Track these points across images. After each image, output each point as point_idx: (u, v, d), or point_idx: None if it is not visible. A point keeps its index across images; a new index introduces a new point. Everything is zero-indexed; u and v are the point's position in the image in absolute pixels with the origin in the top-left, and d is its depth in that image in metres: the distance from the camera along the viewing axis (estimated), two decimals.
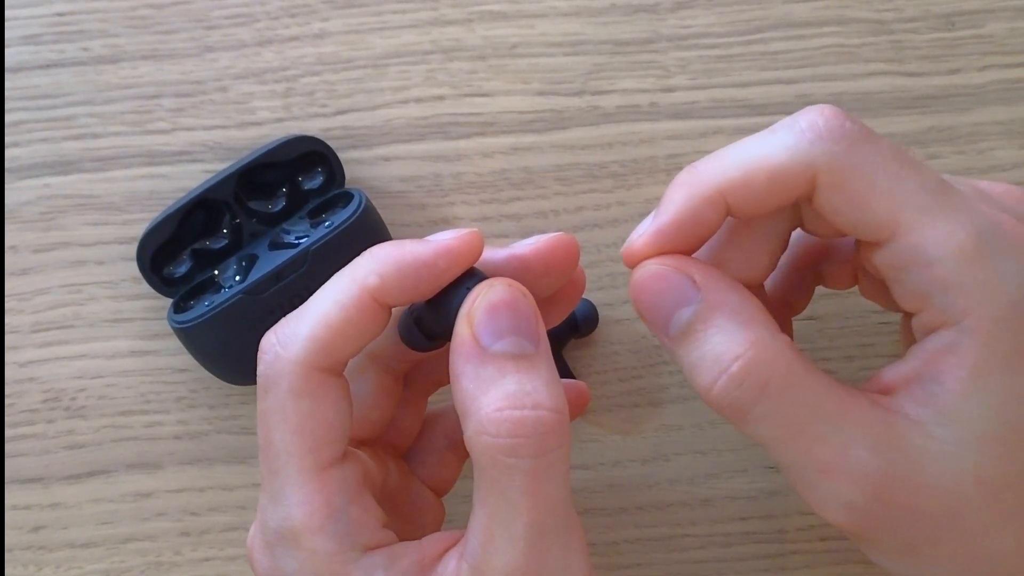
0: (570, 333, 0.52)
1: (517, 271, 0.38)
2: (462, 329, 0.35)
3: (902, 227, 0.35)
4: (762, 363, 0.35)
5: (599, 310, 0.53)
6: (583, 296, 0.44)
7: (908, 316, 0.37)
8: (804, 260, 0.45)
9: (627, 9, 0.54)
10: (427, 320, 0.38)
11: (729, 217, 0.38)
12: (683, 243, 0.38)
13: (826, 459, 0.35)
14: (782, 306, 0.46)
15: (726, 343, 0.36)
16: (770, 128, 0.37)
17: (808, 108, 0.37)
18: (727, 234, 0.40)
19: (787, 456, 0.36)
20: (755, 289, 0.40)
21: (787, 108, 0.53)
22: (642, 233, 0.38)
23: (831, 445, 0.35)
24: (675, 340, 0.37)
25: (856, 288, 0.44)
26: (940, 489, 0.35)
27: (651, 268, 0.38)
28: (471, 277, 0.37)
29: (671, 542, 0.53)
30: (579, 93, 0.54)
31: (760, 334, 0.36)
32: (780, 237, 0.40)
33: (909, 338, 0.38)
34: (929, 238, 0.34)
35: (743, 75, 0.53)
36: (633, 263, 0.39)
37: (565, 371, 0.52)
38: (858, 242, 0.38)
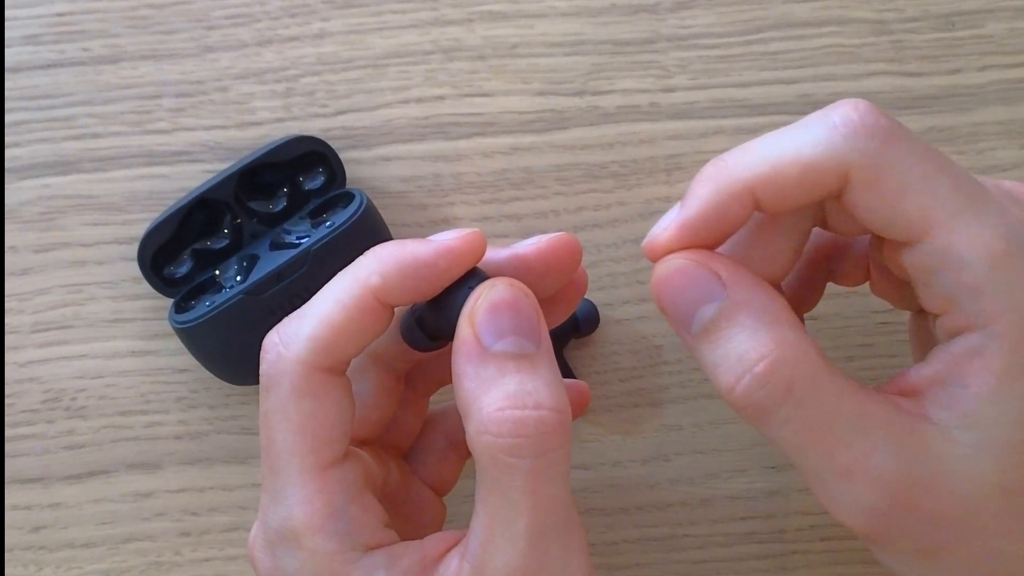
0: (571, 333, 0.52)
1: (519, 271, 0.38)
2: (464, 329, 0.35)
3: (935, 228, 0.34)
4: (788, 364, 0.35)
5: (600, 310, 0.53)
6: (584, 296, 0.44)
7: (920, 315, 0.37)
8: (817, 256, 0.44)
9: (627, 9, 0.54)
10: (429, 320, 0.38)
11: (754, 213, 0.38)
12: (708, 238, 0.37)
13: (848, 463, 0.35)
14: (794, 303, 0.45)
15: (751, 342, 0.35)
16: (801, 122, 0.37)
17: (841, 102, 0.36)
18: (751, 230, 0.39)
19: (807, 459, 0.36)
20: (775, 287, 0.40)
21: (787, 108, 0.53)
22: (666, 227, 0.38)
23: (853, 449, 0.35)
24: (697, 338, 0.37)
25: (856, 288, 0.44)
26: (961, 494, 0.34)
27: (675, 263, 0.37)
28: (473, 277, 0.37)
29: (671, 542, 0.53)
30: (579, 93, 0.54)
31: (786, 334, 0.35)
32: (803, 234, 0.39)
33: (920, 337, 0.37)
34: (962, 241, 0.34)
35: (743, 75, 0.53)
36: (656, 257, 0.38)
37: (566, 371, 0.52)
38: (881, 240, 0.38)
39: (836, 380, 0.35)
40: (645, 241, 0.39)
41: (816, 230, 0.40)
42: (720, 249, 0.39)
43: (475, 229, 0.37)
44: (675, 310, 0.37)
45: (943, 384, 0.35)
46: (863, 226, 0.37)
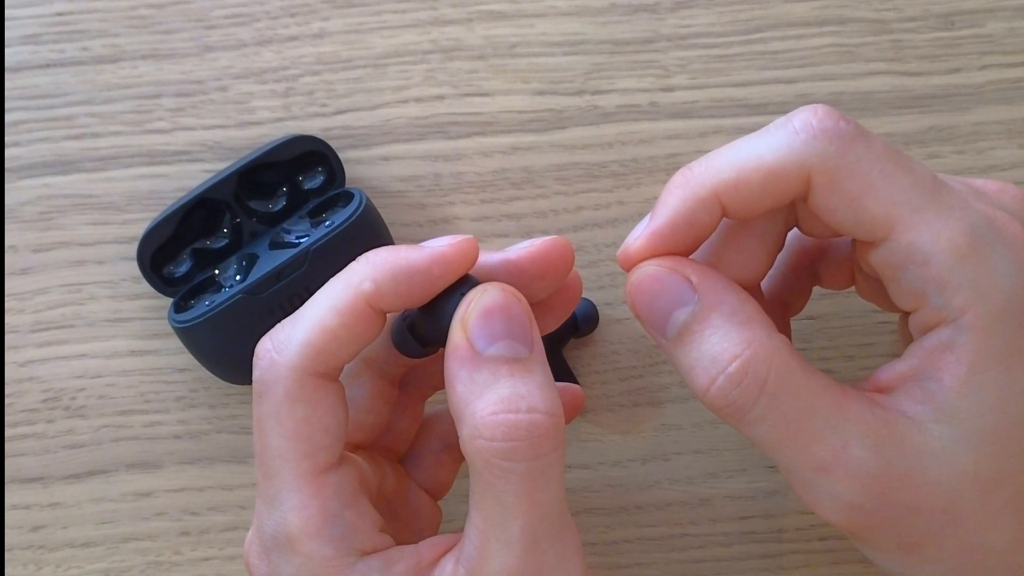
0: (570, 333, 0.52)
1: (511, 275, 0.38)
2: (456, 334, 0.35)
3: (897, 226, 0.35)
4: (760, 363, 0.35)
5: (599, 309, 0.53)
6: (583, 295, 0.44)
7: (906, 315, 0.37)
8: (801, 260, 0.45)
9: (627, 9, 0.54)
10: (421, 326, 0.38)
11: (725, 218, 0.38)
12: (679, 245, 0.38)
13: (824, 458, 0.35)
14: (780, 306, 0.46)
15: (723, 343, 0.36)
16: (764, 128, 0.37)
17: (802, 108, 0.37)
18: (723, 235, 0.40)
19: (785, 456, 0.36)
20: (752, 289, 0.40)
21: (786, 107, 0.53)
22: (638, 236, 0.39)
23: (829, 444, 0.35)
24: (672, 342, 0.37)
25: (853, 289, 0.44)
26: (938, 486, 0.35)
27: (647, 270, 0.38)
28: (465, 283, 0.37)
29: (670, 542, 0.53)
30: (579, 93, 0.54)
31: (757, 334, 0.36)
32: (776, 237, 0.40)
33: (907, 338, 0.38)
34: (924, 236, 0.35)
35: (743, 75, 0.53)
36: (629, 266, 0.39)
37: (565, 371, 0.52)
38: (854, 241, 0.39)
39: (810, 376, 0.36)
40: (619, 251, 0.39)
41: (799, 234, 0.41)
42: (694, 255, 0.40)
43: (468, 236, 0.37)
44: (649, 316, 0.38)
45: (917, 379, 0.36)
46: (830, 228, 0.37)
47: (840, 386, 0.36)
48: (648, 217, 0.39)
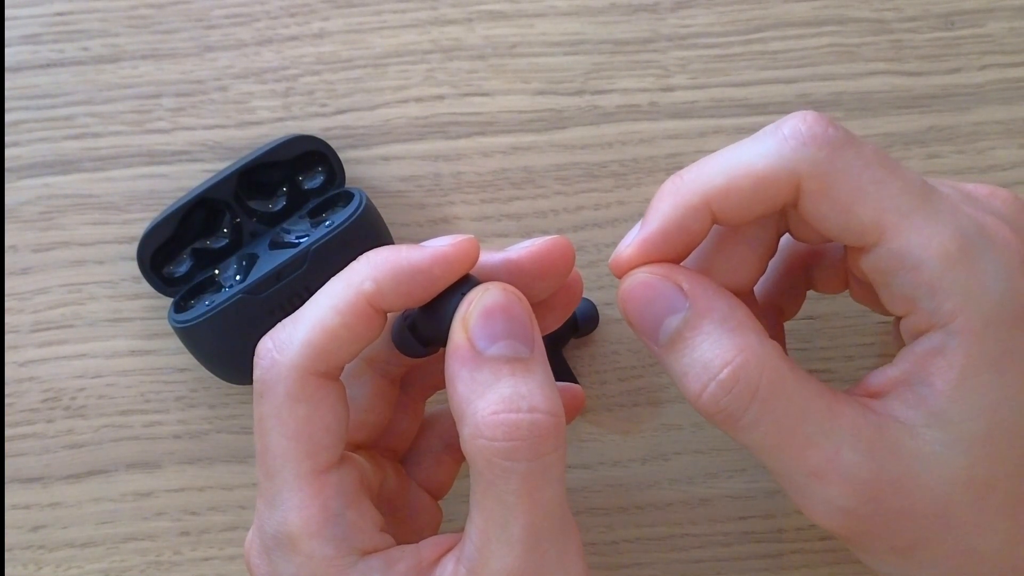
0: (570, 332, 0.52)
1: (512, 275, 0.38)
2: (457, 333, 0.35)
3: (887, 231, 0.35)
4: (751, 369, 0.35)
5: (599, 309, 0.53)
6: (583, 295, 0.44)
7: (898, 320, 0.37)
8: (794, 265, 0.45)
9: (627, 9, 0.54)
10: (422, 326, 0.38)
11: (716, 225, 0.38)
12: (670, 252, 0.38)
13: (817, 463, 0.35)
14: (774, 311, 0.46)
15: (715, 350, 0.36)
16: (753, 135, 0.37)
17: (791, 114, 0.37)
18: (714, 241, 0.40)
19: (778, 462, 0.36)
20: (745, 295, 0.41)
21: (787, 107, 0.53)
22: (629, 243, 0.39)
23: (822, 449, 0.35)
24: (664, 348, 0.37)
25: None
26: (931, 490, 0.35)
27: (639, 277, 0.38)
28: (465, 283, 0.37)
29: (670, 541, 0.53)
30: (579, 93, 0.54)
31: (749, 340, 0.36)
32: (768, 243, 0.40)
33: (900, 342, 0.38)
34: (914, 242, 0.35)
35: (743, 75, 0.53)
36: (621, 273, 0.39)
37: (565, 371, 0.52)
38: (846, 247, 0.39)
39: (802, 382, 0.36)
40: (611, 258, 0.40)
41: (792, 239, 0.41)
42: (685, 261, 0.40)
43: (469, 236, 0.37)
44: (641, 323, 0.38)
45: (909, 384, 0.36)
46: (821, 234, 0.37)
47: (832, 391, 0.37)
48: (639, 224, 0.39)
